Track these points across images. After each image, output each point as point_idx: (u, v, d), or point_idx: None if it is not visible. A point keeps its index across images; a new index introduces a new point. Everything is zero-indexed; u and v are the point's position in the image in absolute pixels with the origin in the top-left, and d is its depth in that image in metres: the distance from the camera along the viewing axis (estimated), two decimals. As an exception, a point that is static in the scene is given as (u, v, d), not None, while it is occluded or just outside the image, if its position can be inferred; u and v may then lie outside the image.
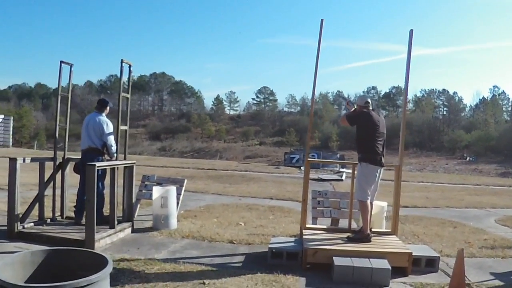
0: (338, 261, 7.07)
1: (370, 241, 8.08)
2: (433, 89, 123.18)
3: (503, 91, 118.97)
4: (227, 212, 13.35)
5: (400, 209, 15.26)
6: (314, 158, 37.13)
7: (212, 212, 13.10)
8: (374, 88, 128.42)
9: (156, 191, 10.53)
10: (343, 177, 28.84)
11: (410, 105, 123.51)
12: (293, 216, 12.60)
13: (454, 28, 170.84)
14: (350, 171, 29.41)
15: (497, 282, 7.39)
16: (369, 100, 8.75)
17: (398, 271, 7.40)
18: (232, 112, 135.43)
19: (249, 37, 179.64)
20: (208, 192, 17.92)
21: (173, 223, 10.52)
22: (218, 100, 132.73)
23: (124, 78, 9.88)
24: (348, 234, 8.42)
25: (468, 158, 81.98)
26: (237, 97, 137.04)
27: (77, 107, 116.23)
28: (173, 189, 10.74)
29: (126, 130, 9.96)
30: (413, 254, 7.60)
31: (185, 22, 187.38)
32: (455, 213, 15.41)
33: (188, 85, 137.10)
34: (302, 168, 35.20)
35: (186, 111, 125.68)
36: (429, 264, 7.71)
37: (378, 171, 8.39)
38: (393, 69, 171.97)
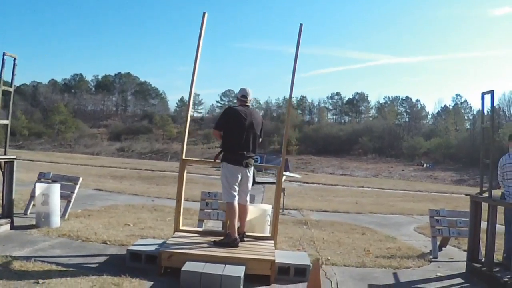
0: (187, 266, 6.44)
1: (237, 246, 7.46)
2: (396, 96, 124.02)
3: (466, 99, 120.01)
4: (128, 212, 12.82)
5: (319, 213, 15.18)
6: (257, 161, 36.81)
7: (111, 212, 12.53)
8: (338, 94, 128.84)
9: (38, 188, 9.91)
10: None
11: (372, 111, 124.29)
12: (194, 218, 12.02)
13: (423, 38, 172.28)
14: (293, 174, 28.97)
15: (366, 296, 6.90)
16: (248, 95, 8.10)
17: (263, 279, 6.83)
18: (196, 115, 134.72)
19: (223, 41, 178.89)
20: (125, 192, 17.43)
21: (55, 221, 9.83)
22: (182, 102, 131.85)
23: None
24: (216, 238, 7.80)
25: (425, 165, 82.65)
26: (202, 99, 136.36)
27: (40, 105, 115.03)
28: (55, 186, 10.12)
29: (7, 125, 9.28)
30: (280, 262, 7.07)
31: (159, 24, 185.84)
32: (376, 219, 15.09)
33: (153, 86, 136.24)
34: (249, 170, 34.72)
35: (150, 112, 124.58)
36: (299, 273, 7.08)
37: (242, 171, 7.77)
38: (359, 75, 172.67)
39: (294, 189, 24.73)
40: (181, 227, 8.30)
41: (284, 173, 35.96)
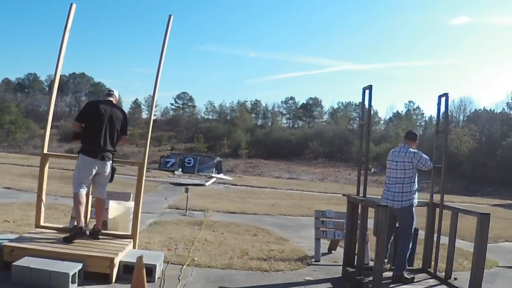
0: (21, 261, 6.34)
1: (84, 234, 7.53)
2: (350, 102, 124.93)
3: (418, 106, 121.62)
4: (19, 210, 12.76)
5: (224, 214, 15.16)
6: (191, 163, 37.07)
7: (0, 209, 12.43)
8: (292, 98, 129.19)
9: None
10: (208, 183, 28.36)
11: (326, 116, 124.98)
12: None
13: (381, 46, 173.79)
14: (224, 176, 28.90)
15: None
16: (113, 92, 8.34)
17: (106, 278, 6.77)
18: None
19: (183, 44, 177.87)
20: (33, 191, 16.91)
21: None
22: (136, 104, 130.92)
23: None
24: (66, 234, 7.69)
25: (373, 170, 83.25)
26: (156, 101, 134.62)
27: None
28: None
29: None
30: (126, 260, 7.07)
31: (117, 25, 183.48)
32: (282, 221, 15.05)
33: (107, 87, 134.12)
34: (176, 172, 34.69)
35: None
36: (146, 273, 7.02)
37: (98, 164, 7.72)
38: (316, 81, 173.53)
39: (216, 191, 24.52)
40: (42, 223, 8.16)
41: (216, 175, 36.11)
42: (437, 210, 8.74)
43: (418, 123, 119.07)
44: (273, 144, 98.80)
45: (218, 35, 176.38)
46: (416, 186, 8.28)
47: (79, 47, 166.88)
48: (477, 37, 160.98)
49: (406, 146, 8.32)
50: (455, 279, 8.24)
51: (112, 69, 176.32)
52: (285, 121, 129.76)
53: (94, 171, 7.71)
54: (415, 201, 8.22)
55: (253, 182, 33.64)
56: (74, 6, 8.44)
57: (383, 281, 7.51)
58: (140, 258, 5.94)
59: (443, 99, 8.88)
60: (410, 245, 8.13)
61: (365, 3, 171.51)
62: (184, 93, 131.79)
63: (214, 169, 37.99)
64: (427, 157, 8.24)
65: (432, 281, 8.18)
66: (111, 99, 8.08)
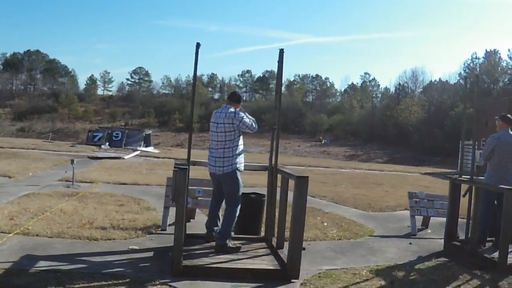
0: None
1: None
2: (306, 74, 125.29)
3: (374, 77, 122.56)
4: None
5: (112, 186, 15.49)
6: (118, 137, 37.07)
7: None
8: (248, 71, 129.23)
9: None
10: (128, 156, 28.32)
11: (282, 89, 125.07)
12: None
13: (338, 20, 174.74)
14: (151, 150, 28.79)
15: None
16: None
17: None
18: (106, 93, 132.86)
19: (142, 18, 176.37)
20: None
21: None
22: (91, 80, 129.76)
23: None
24: None
25: (323, 141, 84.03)
26: (112, 77, 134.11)
27: None
28: None
29: None
30: None
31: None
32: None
33: (62, 64, 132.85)
34: (103, 146, 34.74)
35: (58, 91, 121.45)
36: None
37: None
38: (275, 54, 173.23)
39: (131, 163, 24.19)
40: None
41: (143, 148, 36.03)
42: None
43: (374, 94, 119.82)
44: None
45: (178, 9, 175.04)
46: (240, 149, 7.84)
47: (33, 23, 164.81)
48: (435, 9, 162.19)
49: (227, 107, 7.80)
50: (304, 249, 7.54)
51: (71, 45, 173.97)
52: (242, 94, 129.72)
53: None
54: (240, 165, 7.82)
55: (179, 154, 33.61)
56: None
57: (206, 250, 7.54)
58: None
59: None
60: (238, 212, 7.82)
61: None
62: (140, 68, 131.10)
63: (143, 142, 37.96)
64: (251, 119, 7.89)
65: (263, 251, 7.90)
66: None
